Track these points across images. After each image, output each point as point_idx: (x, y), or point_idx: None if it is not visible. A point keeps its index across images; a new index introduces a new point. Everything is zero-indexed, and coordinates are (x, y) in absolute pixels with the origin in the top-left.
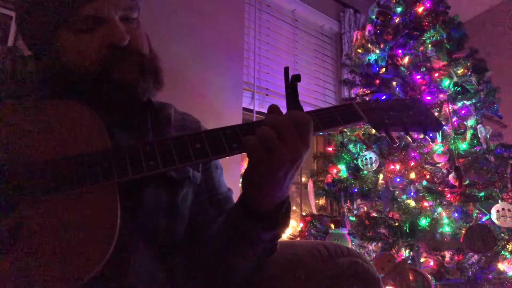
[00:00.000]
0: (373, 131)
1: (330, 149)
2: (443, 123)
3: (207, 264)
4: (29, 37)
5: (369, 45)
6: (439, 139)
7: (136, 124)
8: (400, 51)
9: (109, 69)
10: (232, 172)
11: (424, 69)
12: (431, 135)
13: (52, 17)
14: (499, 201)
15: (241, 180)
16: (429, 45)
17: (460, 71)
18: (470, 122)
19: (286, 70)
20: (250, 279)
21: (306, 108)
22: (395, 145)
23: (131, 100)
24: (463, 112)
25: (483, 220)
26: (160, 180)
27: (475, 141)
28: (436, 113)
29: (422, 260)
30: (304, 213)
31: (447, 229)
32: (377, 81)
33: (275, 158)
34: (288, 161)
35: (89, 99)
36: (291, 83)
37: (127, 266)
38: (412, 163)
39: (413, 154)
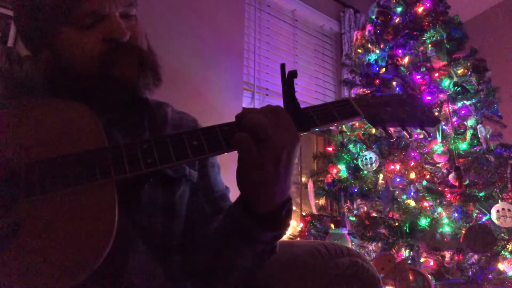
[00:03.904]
0: (373, 131)
1: (330, 149)
2: (443, 123)
3: (205, 263)
4: (27, 36)
5: (369, 45)
6: (439, 139)
7: (133, 123)
8: (400, 51)
9: (109, 65)
10: (232, 171)
11: (424, 69)
12: (431, 134)
13: (52, 14)
14: (499, 201)
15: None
16: (429, 45)
17: (460, 71)
18: (470, 122)
19: (283, 66)
20: (249, 279)
21: None
22: (392, 140)
23: (131, 95)
24: (463, 112)
25: (483, 220)
26: (157, 179)
27: (475, 141)
28: (436, 113)
29: (422, 260)
30: (304, 213)
31: (447, 229)
32: (377, 81)
33: (265, 147)
34: (275, 149)
35: (89, 96)
36: (288, 80)
37: (126, 264)
38: (412, 163)
39: (413, 154)
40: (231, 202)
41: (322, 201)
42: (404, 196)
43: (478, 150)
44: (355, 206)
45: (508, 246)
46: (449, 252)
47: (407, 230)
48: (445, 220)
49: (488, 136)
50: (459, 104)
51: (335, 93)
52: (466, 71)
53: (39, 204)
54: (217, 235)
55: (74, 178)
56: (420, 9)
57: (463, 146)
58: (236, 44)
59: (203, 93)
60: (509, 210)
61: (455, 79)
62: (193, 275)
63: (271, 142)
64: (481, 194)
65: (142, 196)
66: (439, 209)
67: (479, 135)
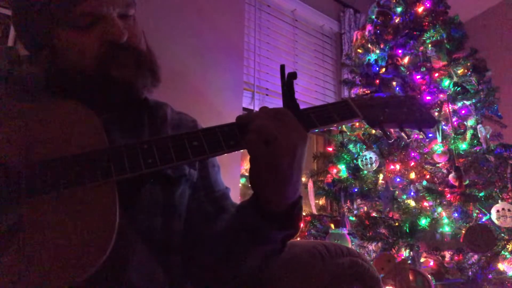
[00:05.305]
0: (373, 131)
1: (330, 149)
2: (443, 123)
3: (211, 262)
4: (26, 36)
5: (369, 45)
6: (439, 139)
7: (132, 123)
8: (400, 51)
9: (107, 66)
10: (232, 171)
11: (424, 69)
12: (430, 135)
13: (49, 15)
14: (499, 201)
15: (240, 179)
16: (429, 45)
17: (460, 71)
18: (470, 122)
19: (282, 68)
20: (252, 278)
21: None
22: (390, 141)
23: (130, 96)
24: (463, 112)
25: (483, 220)
26: (157, 178)
27: (475, 141)
28: (436, 113)
29: (422, 260)
30: (304, 213)
31: (447, 229)
32: (377, 81)
33: (274, 148)
34: (285, 149)
35: (87, 97)
36: (287, 81)
37: (126, 264)
38: (412, 163)
39: (413, 154)
40: (232, 201)
41: (322, 201)
42: (404, 196)
43: (478, 150)
44: (355, 206)
45: (508, 246)
46: (449, 252)
47: (407, 230)
48: (445, 220)
49: (488, 136)
50: (459, 104)
51: (335, 93)
52: (466, 71)
53: (40, 204)
54: (225, 235)
55: (75, 179)
56: (420, 9)
57: (463, 146)
58: (236, 44)
59: (203, 93)
60: (509, 210)
61: (455, 79)
62: (195, 275)
63: (279, 143)
64: (481, 194)
65: (141, 196)
66: (439, 209)
67: (479, 135)
